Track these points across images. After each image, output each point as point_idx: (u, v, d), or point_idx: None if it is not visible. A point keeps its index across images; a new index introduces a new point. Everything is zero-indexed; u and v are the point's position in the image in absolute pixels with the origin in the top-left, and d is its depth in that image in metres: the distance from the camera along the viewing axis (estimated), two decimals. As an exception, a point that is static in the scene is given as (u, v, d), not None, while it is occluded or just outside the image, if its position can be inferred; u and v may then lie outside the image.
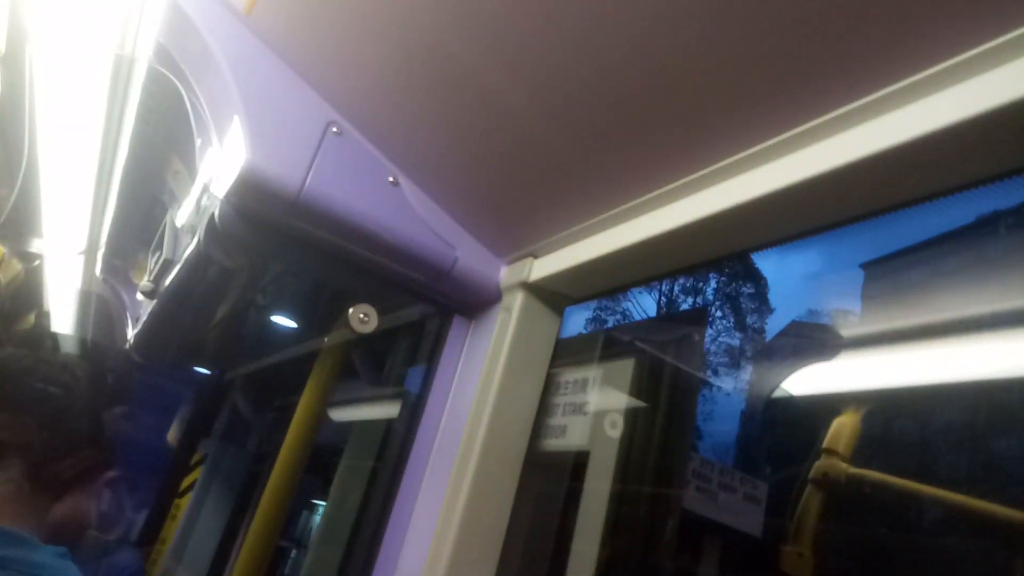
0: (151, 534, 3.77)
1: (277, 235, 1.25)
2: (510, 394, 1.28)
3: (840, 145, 0.78)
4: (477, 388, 1.30)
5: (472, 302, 1.42)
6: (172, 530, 3.76)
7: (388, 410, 1.56)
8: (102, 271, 3.02)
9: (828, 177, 0.78)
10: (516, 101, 1.02)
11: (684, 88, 0.86)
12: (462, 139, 1.18)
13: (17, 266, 3.10)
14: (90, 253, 2.89)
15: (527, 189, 1.20)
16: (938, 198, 0.78)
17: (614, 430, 1.47)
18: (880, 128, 0.74)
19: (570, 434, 1.40)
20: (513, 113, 1.05)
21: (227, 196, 1.19)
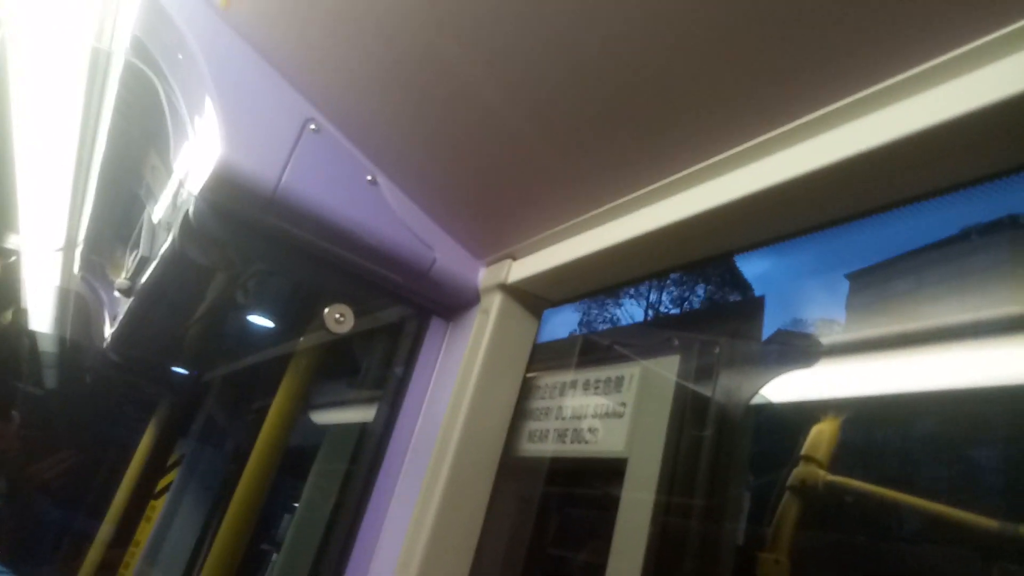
0: (125, 536, 3.72)
1: (253, 233, 1.23)
2: (486, 397, 1.26)
3: (822, 146, 0.77)
4: (453, 390, 1.28)
5: (450, 303, 1.41)
6: (147, 532, 3.71)
7: (364, 412, 1.54)
8: (80, 268, 2.98)
9: (810, 178, 0.77)
10: (495, 100, 1.01)
11: (663, 88, 0.85)
12: (441, 139, 1.17)
13: (-7, 262, 3.05)
14: (68, 250, 2.85)
15: (506, 190, 1.19)
16: (923, 200, 0.78)
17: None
18: (864, 128, 0.73)
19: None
20: (492, 113, 1.04)
21: (202, 192, 1.17)
